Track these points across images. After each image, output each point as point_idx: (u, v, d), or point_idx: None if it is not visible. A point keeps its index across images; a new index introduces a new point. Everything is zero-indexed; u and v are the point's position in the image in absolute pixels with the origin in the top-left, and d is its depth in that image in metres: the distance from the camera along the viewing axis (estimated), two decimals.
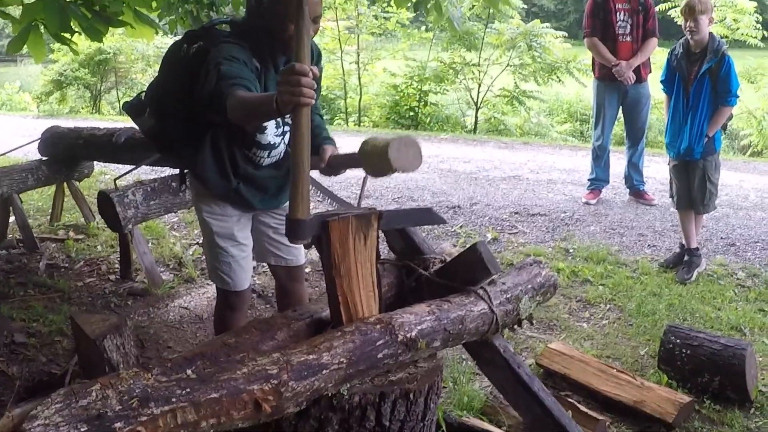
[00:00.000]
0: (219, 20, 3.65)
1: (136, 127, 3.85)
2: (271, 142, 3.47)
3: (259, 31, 3.27)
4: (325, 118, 18.61)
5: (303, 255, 3.95)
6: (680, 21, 5.86)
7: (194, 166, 3.50)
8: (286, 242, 3.72)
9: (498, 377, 3.24)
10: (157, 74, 3.68)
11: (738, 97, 5.86)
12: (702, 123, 5.74)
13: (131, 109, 3.70)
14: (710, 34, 5.78)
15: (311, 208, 2.51)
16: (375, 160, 2.69)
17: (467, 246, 3.08)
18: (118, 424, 1.85)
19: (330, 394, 2.34)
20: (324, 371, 2.24)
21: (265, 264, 4.28)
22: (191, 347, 4.56)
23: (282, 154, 3.58)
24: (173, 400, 1.97)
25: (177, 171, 4.03)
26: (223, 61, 3.04)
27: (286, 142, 3.51)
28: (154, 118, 3.58)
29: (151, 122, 3.61)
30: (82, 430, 1.81)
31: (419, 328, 2.56)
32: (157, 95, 3.57)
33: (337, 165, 3.23)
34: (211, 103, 3.00)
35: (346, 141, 12.71)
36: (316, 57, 3.55)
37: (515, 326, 3.25)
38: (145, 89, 3.72)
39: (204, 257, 6.21)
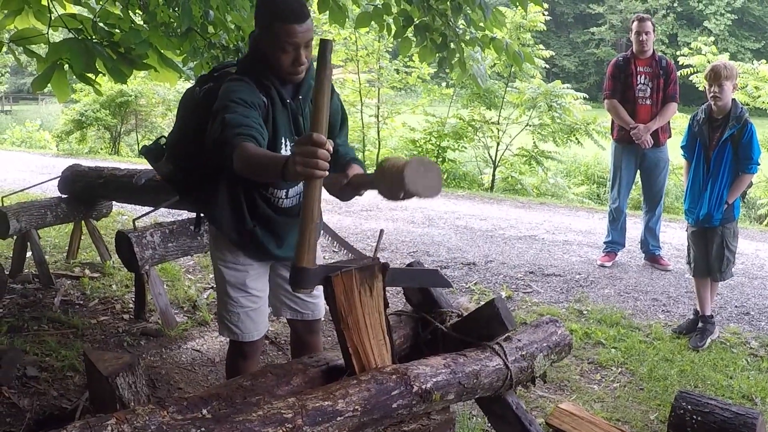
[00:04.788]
0: (228, 63, 3.67)
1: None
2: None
3: (259, 64, 3.27)
4: None
5: (321, 309, 3.84)
6: (702, 87, 5.86)
7: (210, 208, 3.48)
8: (303, 297, 3.70)
9: None
10: (174, 121, 3.72)
11: (759, 164, 5.84)
12: (722, 190, 5.73)
13: (149, 153, 3.69)
14: (733, 100, 5.77)
15: (326, 258, 2.53)
16: (390, 179, 2.54)
17: (483, 302, 3.09)
18: None
19: None
20: (338, 418, 2.24)
21: None
22: (202, 390, 4.57)
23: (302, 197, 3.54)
24: None
25: (195, 214, 4.01)
26: (229, 105, 3.04)
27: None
28: (172, 163, 3.58)
29: (169, 167, 3.62)
30: None
31: (434, 380, 2.57)
32: (174, 140, 3.59)
33: (358, 185, 3.09)
34: (217, 152, 2.98)
35: (363, 195, 12.78)
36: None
37: (528, 384, 3.24)
38: (164, 134, 3.72)
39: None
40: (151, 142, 3.80)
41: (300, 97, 3.37)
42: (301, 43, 3.14)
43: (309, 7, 3.39)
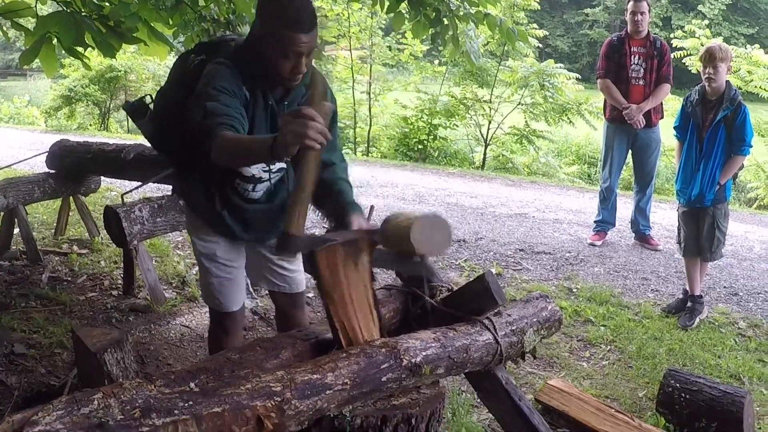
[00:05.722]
0: (231, 37, 3.52)
1: (146, 144, 3.78)
2: (256, 176, 3.31)
3: (254, 57, 3.10)
4: None
5: (301, 283, 3.78)
6: (695, 70, 5.84)
7: (185, 188, 3.51)
8: (279, 270, 3.69)
9: (498, 408, 3.23)
10: (165, 81, 3.64)
11: (752, 146, 5.85)
12: (714, 171, 5.73)
13: (132, 110, 3.58)
14: (727, 82, 5.77)
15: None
16: (396, 242, 2.49)
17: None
18: None
19: (332, 415, 2.32)
20: (327, 391, 2.23)
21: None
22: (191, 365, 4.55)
23: (272, 189, 3.44)
24: (175, 412, 1.97)
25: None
26: (211, 93, 2.92)
27: (273, 181, 3.38)
28: (157, 123, 3.49)
29: (152, 126, 3.54)
30: None
31: (424, 353, 2.55)
32: (162, 102, 3.50)
33: None
34: (197, 139, 2.88)
35: (354, 171, 12.75)
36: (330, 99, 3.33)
37: (518, 359, 3.24)
38: (151, 94, 3.65)
39: None
40: (135, 99, 3.73)
41: (286, 102, 3.24)
42: (303, 52, 2.99)
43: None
